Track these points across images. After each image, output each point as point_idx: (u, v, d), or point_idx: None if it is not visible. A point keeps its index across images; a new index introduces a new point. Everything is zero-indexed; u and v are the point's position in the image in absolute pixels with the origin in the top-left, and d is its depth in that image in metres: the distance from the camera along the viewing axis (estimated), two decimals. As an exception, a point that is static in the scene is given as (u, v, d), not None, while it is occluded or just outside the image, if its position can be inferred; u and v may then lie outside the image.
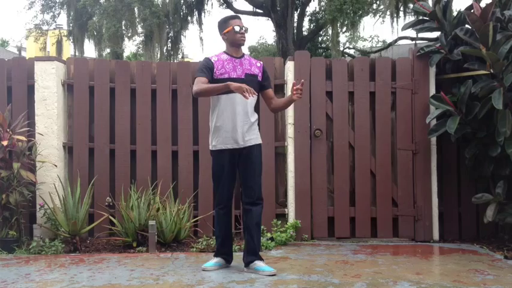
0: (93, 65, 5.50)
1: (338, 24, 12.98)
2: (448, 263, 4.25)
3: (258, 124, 5.34)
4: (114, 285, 3.46)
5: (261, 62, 4.03)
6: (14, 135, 4.84)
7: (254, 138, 3.88)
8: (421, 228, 5.32)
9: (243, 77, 3.84)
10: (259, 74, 3.94)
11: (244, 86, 3.55)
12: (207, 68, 3.83)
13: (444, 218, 5.43)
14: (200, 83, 3.75)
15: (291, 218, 5.28)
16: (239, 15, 4.09)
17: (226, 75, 3.82)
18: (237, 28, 3.83)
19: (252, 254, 3.82)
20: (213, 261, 3.98)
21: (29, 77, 5.32)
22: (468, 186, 5.41)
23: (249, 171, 3.84)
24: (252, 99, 3.84)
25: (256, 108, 5.34)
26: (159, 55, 14.28)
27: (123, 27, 13.75)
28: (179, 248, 4.91)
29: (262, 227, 5.13)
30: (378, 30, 55.72)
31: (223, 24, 3.91)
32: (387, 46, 17.00)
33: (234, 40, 3.87)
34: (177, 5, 14.68)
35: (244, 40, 3.88)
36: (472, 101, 4.93)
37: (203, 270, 3.88)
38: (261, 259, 3.83)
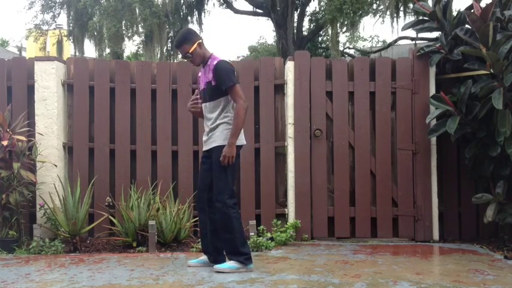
0: (93, 65, 5.50)
1: (338, 24, 12.99)
2: (448, 263, 4.25)
3: (258, 123, 5.40)
4: (114, 285, 3.46)
5: (215, 62, 3.83)
6: (14, 135, 4.84)
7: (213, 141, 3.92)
8: (421, 228, 5.32)
9: (204, 86, 3.94)
10: (213, 78, 3.83)
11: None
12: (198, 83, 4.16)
13: (444, 218, 5.43)
14: None
15: (291, 218, 5.28)
16: (180, 41, 3.88)
17: (200, 88, 4.06)
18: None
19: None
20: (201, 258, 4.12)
21: (29, 77, 5.32)
22: (468, 186, 5.40)
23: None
24: (207, 107, 3.92)
25: (256, 108, 5.41)
26: (159, 55, 14.29)
27: (124, 28, 13.76)
28: (179, 248, 4.91)
29: (262, 227, 5.15)
30: (378, 30, 55.71)
31: None
32: (387, 46, 17.01)
33: None
34: (177, 5, 14.70)
35: (193, 63, 3.95)
36: (472, 101, 4.93)
37: (188, 266, 4.06)
38: (229, 259, 3.86)
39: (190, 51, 3.84)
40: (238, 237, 3.82)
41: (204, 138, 3.98)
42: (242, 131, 3.89)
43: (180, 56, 15.94)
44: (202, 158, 4.02)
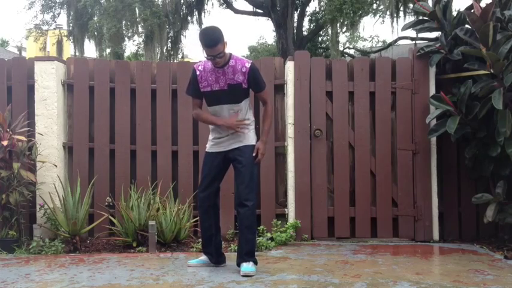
0: (93, 65, 5.50)
1: (338, 24, 12.99)
2: (448, 263, 4.25)
3: (258, 124, 5.38)
4: (114, 285, 3.46)
5: (249, 65, 3.77)
6: (14, 135, 4.84)
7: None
8: (421, 228, 5.32)
9: (225, 88, 3.78)
10: (244, 81, 3.76)
11: (232, 124, 3.79)
12: (193, 83, 3.90)
13: (444, 218, 5.43)
14: (195, 107, 3.99)
15: (291, 218, 5.28)
16: (216, 40, 3.61)
17: (208, 88, 3.84)
18: (206, 56, 3.70)
19: (239, 256, 3.83)
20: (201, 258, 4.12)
21: (29, 77, 5.32)
22: (468, 186, 5.40)
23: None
24: (230, 109, 3.85)
25: (256, 108, 5.40)
26: (159, 55, 14.30)
27: (124, 28, 13.76)
28: (179, 248, 4.91)
29: (262, 227, 5.15)
30: (378, 30, 55.75)
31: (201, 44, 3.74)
32: (387, 46, 17.00)
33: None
34: (177, 5, 14.69)
35: (219, 64, 3.70)
36: (472, 101, 4.93)
37: (188, 266, 4.04)
38: (247, 261, 3.75)
39: (224, 51, 3.66)
40: (256, 238, 3.90)
41: (222, 139, 3.87)
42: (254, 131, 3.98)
43: (180, 56, 15.97)
44: (213, 159, 3.90)
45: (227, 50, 3.76)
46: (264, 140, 3.91)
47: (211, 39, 3.61)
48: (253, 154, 3.83)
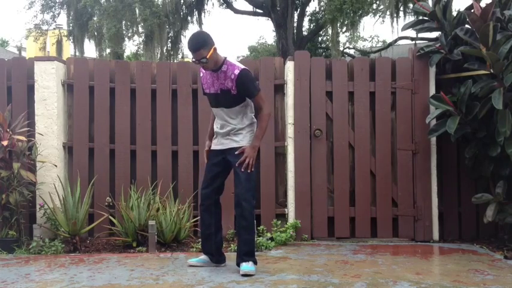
0: (93, 65, 5.50)
1: (338, 24, 13.01)
2: (448, 263, 4.25)
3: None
4: (114, 285, 3.46)
5: (238, 72, 3.74)
6: (14, 135, 4.84)
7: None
8: (421, 228, 5.32)
9: (218, 92, 3.82)
10: (233, 87, 3.76)
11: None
12: (201, 83, 4.03)
13: (444, 218, 5.43)
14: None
15: (291, 218, 5.28)
16: (198, 45, 3.65)
17: (207, 90, 3.94)
18: (192, 59, 3.77)
19: (238, 256, 3.84)
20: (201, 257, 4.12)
21: (29, 77, 5.32)
22: (468, 186, 5.40)
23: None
24: (225, 112, 3.86)
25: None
26: (159, 55, 14.30)
27: (124, 28, 13.77)
28: (179, 248, 4.91)
29: (262, 227, 5.15)
30: (378, 30, 55.82)
31: None
32: (387, 46, 17.02)
33: None
34: (177, 5, 14.70)
35: (206, 68, 3.76)
36: (472, 101, 4.93)
37: (188, 265, 4.05)
38: (247, 261, 3.76)
39: (207, 56, 3.66)
40: (255, 238, 3.91)
41: (220, 138, 3.91)
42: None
43: (180, 56, 15.97)
44: (213, 157, 3.95)
45: (223, 55, 3.81)
46: (254, 145, 3.84)
47: (193, 43, 3.68)
48: (238, 154, 3.80)
